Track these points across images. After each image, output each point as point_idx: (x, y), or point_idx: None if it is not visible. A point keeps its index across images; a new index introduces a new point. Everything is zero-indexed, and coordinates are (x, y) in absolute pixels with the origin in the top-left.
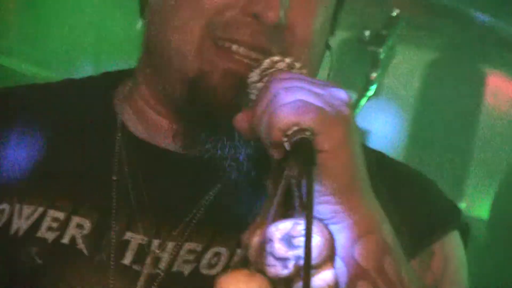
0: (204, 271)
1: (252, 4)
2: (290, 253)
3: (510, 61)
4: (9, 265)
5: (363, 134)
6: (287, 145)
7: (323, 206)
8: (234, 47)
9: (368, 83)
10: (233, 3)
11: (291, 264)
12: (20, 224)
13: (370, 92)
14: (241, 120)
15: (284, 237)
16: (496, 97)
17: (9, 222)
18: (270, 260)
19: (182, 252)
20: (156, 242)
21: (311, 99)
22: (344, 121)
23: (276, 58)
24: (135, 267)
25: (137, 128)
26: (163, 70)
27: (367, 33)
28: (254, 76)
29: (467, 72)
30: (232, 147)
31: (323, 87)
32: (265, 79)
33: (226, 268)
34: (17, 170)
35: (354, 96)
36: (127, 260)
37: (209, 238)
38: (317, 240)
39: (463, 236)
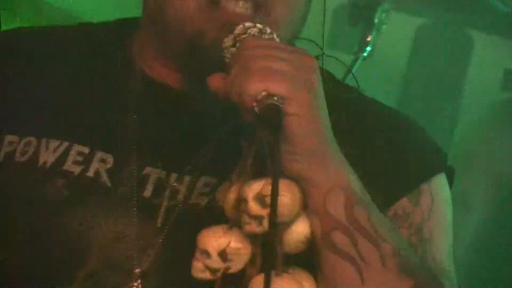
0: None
1: None
2: (264, 212)
3: (498, 27)
4: (36, 196)
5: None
6: (257, 110)
7: (292, 165)
8: (223, 1)
9: (363, 45)
10: None
11: (265, 222)
12: (47, 157)
13: (365, 54)
14: (215, 81)
15: (257, 196)
16: (483, 61)
17: (36, 154)
18: (245, 218)
19: (198, 185)
20: (173, 176)
21: (279, 66)
22: (310, 86)
23: (248, 24)
24: (155, 200)
25: (153, 72)
26: (163, 32)
27: None
28: (228, 41)
29: (456, 37)
30: None
31: (291, 53)
32: (238, 44)
33: None
34: (42, 107)
35: (350, 58)
36: (147, 193)
37: (223, 172)
38: (286, 198)
39: (449, 178)
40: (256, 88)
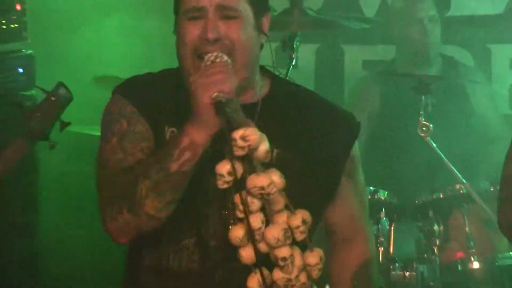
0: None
1: (203, 34)
2: (245, 144)
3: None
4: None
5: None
6: (216, 104)
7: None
8: (203, 55)
9: (291, 60)
10: (196, 36)
11: (245, 150)
12: None
13: (293, 64)
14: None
15: (241, 136)
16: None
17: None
18: (236, 148)
19: None
20: None
21: (223, 76)
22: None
23: (212, 54)
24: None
25: None
26: (180, 65)
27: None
28: (205, 61)
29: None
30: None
31: (224, 70)
32: (206, 63)
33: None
34: (169, 115)
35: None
36: None
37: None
38: (255, 132)
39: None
40: (211, 90)
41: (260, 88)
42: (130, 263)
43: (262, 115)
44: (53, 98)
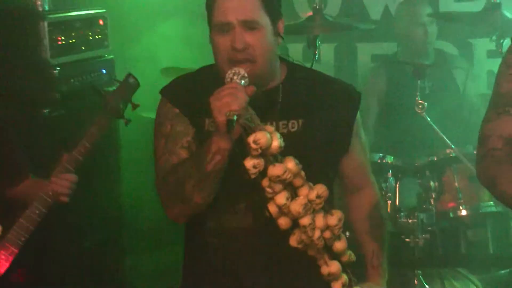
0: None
1: (232, 45)
2: (257, 146)
3: None
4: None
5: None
6: (228, 122)
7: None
8: (233, 60)
9: (314, 56)
10: (227, 47)
11: (258, 151)
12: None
13: (316, 58)
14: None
15: (253, 140)
16: None
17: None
18: (250, 149)
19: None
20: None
21: (232, 98)
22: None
23: (231, 71)
24: None
25: None
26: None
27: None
28: (226, 78)
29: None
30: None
31: (239, 90)
32: (227, 79)
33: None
34: (208, 109)
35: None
36: None
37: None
38: (264, 134)
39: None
40: (225, 109)
41: (280, 75)
42: (192, 226)
43: (284, 95)
44: (124, 84)
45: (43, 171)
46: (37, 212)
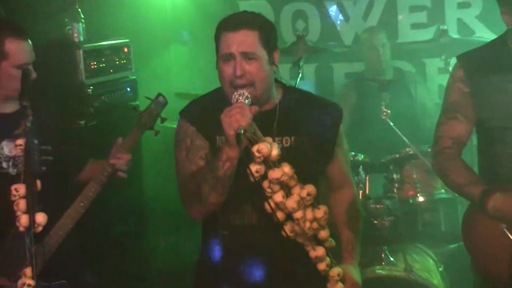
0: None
1: (233, 72)
2: (260, 155)
3: None
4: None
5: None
6: (237, 135)
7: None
8: (236, 87)
9: (298, 75)
10: (230, 74)
11: (260, 158)
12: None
13: (300, 77)
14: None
15: (256, 150)
16: None
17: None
18: (255, 157)
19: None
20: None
21: (240, 115)
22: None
23: (236, 93)
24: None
25: None
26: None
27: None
28: (232, 99)
29: None
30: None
31: (245, 109)
32: (233, 100)
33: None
34: (218, 127)
35: (294, 81)
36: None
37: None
38: (265, 145)
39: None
40: (234, 125)
41: (277, 96)
42: (207, 223)
43: (280, 114)
44: (155, 103)
45: (80, 170)
46: (93, 189)
